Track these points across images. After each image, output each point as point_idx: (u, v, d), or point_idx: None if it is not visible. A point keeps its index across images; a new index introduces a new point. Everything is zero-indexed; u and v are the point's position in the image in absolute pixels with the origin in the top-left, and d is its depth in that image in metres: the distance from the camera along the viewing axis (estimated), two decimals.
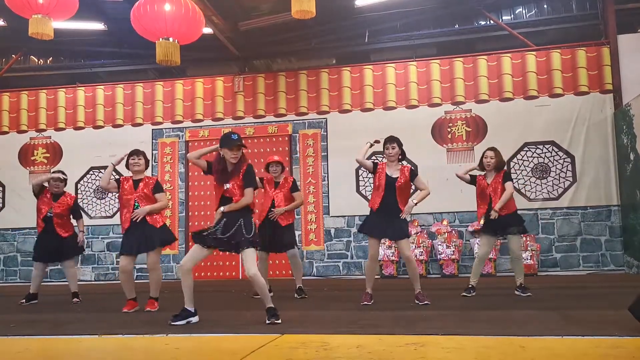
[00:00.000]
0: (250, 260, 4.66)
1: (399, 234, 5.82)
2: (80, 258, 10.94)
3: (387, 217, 5.77)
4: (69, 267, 7.14)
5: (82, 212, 7.50)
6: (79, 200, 11.08)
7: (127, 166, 6.05)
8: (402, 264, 9.71)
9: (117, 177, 6.27)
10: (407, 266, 5.95)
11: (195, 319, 4.83)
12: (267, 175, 7.00)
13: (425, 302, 5.71)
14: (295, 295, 6.86)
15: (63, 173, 7.27)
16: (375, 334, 3.97)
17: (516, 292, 6.40)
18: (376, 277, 9.72)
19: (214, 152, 4.98)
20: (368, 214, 6.09)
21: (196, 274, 10.52)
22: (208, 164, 4.87)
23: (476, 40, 11.01)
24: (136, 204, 5.89)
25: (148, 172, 10.97)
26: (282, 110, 10.87)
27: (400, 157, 5.91)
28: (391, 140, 5.90)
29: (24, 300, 6.97)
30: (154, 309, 5.89)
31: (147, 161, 6.13)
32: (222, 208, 4.70)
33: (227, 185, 4.74)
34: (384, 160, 6.04)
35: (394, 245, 9.74)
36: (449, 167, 10.01)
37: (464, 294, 6.43)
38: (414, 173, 5.88)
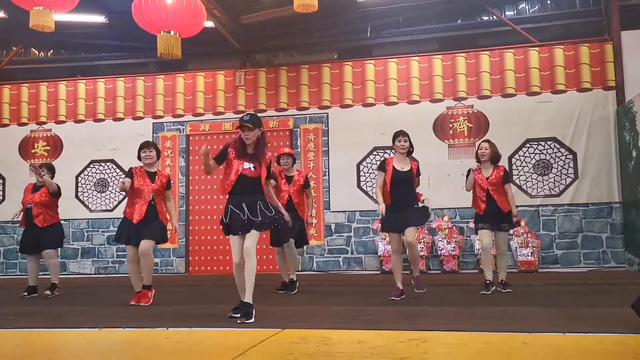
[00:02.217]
0: (253, 239, 4.62)
1: (411, 221, 5.82)
2: (80, 251, 10.96)
3: (401, 209, 5.84)
4: (48, 257, 7.03)
5: (59, 191, 7.12)
6: (79, 194, 11.13)
7: (138, 158, 6.08)
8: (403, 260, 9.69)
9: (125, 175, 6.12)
10: (409, 250, 5.90)
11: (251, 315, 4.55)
12: (278, 168, 6.91)
13: (421, 290, 5.82)
14: (286, 290, 6.78)
15: (48, 167, 7.21)
16: (376, 329, 3.96)
17: (497, 288, 6.36)
18: (376, 272, 9.85)
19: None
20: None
21: (196, 268, 10.61)
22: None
23: (479, 36, 10.97)
24: (152, 198, 5.90)
25: None
26: (284, 104, 10.84)
27: (410, 150, 6.03)
28: (403, 133, 6.01)
29: (26, 293, 6.95)
30: (147, 302, 5.77)
31: (158, 152, 6.15)
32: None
33: (249, 165, 4.72)
34: (391, 156, 6.15)
35: None
36: (450, 162, 10.00)
37: (483, 291, 6.25)
38: (419, 170, 6.06)
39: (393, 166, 5.93)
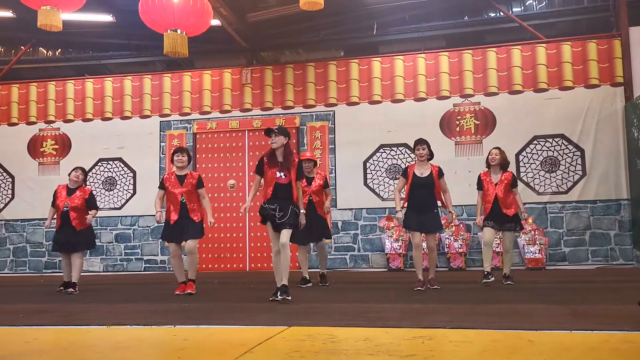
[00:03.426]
0: (287, 235, 5.49)
1: (432, 227, 6.49)
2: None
3: (420, 211, 6.43)
4: (77, 257, 7.29)
5: (96, 205, 7.53)
6: None
7: (172, 161, 6.71)
8: (409, 257, 9.71)
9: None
10: (429, 254, 6.62)
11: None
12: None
13: (435, 286, 6.40)
14: (319, 284, 7.32)
15: (82, 169, 7.57)
16: (382, 327, 3.96)
17: (503, 282, 6.86)
18: (383, 270, 9.86)
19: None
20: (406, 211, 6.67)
21: (204, 266, 10.65)
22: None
23: (485, 32, 10.92)
24: (182, 198, 6.52)
25: (155, 164, 11.08)
26: (290, 102, 10.85)
27: (429, 157, 6.55)
28: (422, 142, 6.54)
29: (62, 288, 7.19)
30: (192, 290, 6.43)
31: (189, 157, 6.76)
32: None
33: (281, 174, 5.56)
34: (413, 162, 6.76)
35: (400, 238, 9.76)
36: (457, 160, 9.98)
37: (484, 280, 6.74)
38: (441, 172, 6.56)
39: (414, 172, 6.51)
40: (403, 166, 9.93)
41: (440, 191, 6.55)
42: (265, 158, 5.66)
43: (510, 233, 6.96)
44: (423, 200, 6.44)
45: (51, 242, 7.54)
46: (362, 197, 10.30)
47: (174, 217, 6.52)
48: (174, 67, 11.69)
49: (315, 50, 11.47)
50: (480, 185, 7.05)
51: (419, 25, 10.90)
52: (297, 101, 10.84)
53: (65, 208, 7.15)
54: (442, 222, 6.88)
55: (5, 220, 11.49)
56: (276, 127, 5.70)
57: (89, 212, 7.29)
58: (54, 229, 7.35)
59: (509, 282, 6.79)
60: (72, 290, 7.08)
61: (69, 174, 7.42)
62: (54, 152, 11.52)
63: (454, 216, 9.50)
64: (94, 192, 11.05)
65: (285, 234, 5.48)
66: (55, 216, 7.30)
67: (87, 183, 11.11)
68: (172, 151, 6.79)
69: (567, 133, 9.80)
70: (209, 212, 6.58)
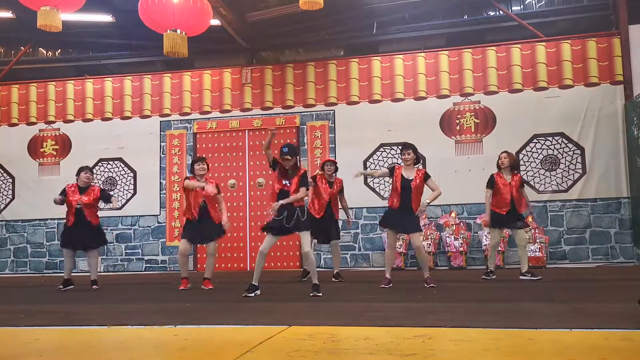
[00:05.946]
0: (306, 240, 5.93)
1: (412, 228, 6.62)
2: None
3: (403, 213, 6.55)
4: (92, 256, 7.58)
5: (110, 196, 7.81)
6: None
7: (192, 171, 7.24)
8: (409, 256, 9.72)
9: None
10: (417, 254, 6.76)
11: (257, 292, 5.93)
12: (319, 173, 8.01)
13: (432, 285, 6.43)
14: (333, 279, 7.70)
15: (90, 169, 7.84)
16: (383, 326, 3.96)
17: (521, 277, 7.09)
18: (383, 269, 9.82)
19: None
20: (386, 210, 6.91)
21: (205, 265, 10.63)
22: (274, 160, 6.03)
23: (485, 31, 10.93)
24: (203, 201, 7.02)
25: (155, 164, 11.10)
26: (290, 102, 10.85)
27: (415, 161, 6.70)
28: (407, 147, 6.72)
29: (62, 286, 7.35)
30: (211, 287, 7.05)
31: (207, 165, 7.30)
32: (280, 202, 5.85)
33: (287, 182, 5.94)
34: (401, 164, 6.85)
35: (401, 237, 9.76)
36: (457, 158, 9.98)
37: (483, 277, 7.27)
38: (427, 175, 6.67)
39: (401, 174, 6.63)
40: None
41: (420, 195, 6.66)
42: (278, 168, 6.02)
43: (519, 231, 7.28)
44: (406, 202, 6.55)
45: (54, 241, 7.69)
46: (363, 196, 10.29)
47: (192, 217, 7.07)
48: (174, 67, 11.69)
49: (315, 50, 11.46)
50: (491, 184, 7.31)
51: (419, 24, 10.90)
52: (297, 100, 10.84)
53: (78, 206, 7.33)
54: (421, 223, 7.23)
55: (6, 221, 11.50)
56: (286, 149, 5.97)
57: (110, 199, 7.60)
58: (66, 225, 7.50)
59: (529, 277, 7.06)
60: (96, 287, 7.34)
61: (78, 174, 7.56)
62: (54, 153, 11.53)
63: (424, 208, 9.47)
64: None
65: (306, 239, 5.93)
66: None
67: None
68: (191, 162, 7.44)
69: (567, 131, 9.81)
70: (223, 214, 7.21)
